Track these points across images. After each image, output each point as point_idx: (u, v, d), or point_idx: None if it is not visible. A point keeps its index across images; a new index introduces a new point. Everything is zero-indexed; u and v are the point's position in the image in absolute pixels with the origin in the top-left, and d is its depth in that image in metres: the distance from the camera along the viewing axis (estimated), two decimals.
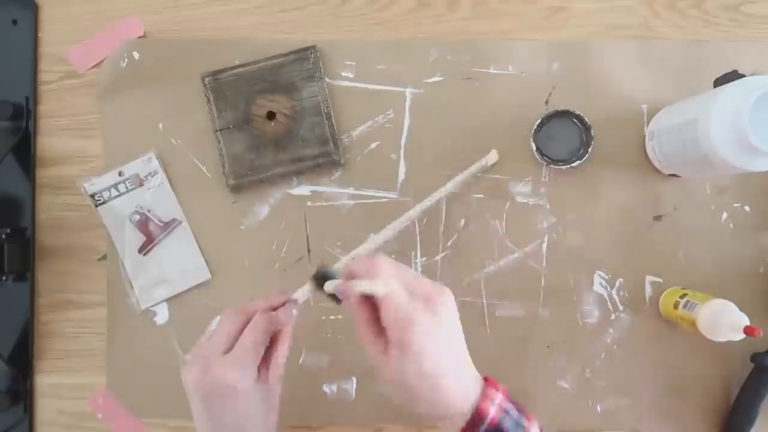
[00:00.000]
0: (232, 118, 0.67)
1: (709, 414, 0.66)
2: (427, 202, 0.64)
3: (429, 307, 0.44)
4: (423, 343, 0.43)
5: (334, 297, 0.49)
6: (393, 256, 0.67)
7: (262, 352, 0.49)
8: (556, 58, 0.67)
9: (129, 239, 0.68)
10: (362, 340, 0.47)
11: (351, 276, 0.47)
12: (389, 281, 0.45)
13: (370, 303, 0.46)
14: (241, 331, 0.49)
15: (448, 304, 0.45)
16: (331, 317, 0.67)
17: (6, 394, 0.69)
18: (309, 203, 0.68)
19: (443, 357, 0.44)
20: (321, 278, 0.51)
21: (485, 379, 0.46)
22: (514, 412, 0.44)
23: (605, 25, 0.68)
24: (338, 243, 0.68)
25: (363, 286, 0.45)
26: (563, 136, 0.66)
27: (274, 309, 0.52)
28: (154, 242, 0.68)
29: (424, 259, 0.67)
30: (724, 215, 0.66)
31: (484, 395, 0.44)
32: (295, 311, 0.53)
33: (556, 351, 0.66)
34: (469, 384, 0.45)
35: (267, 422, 0.49)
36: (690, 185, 0.66)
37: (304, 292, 0.54)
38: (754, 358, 0.63)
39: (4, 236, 0.67)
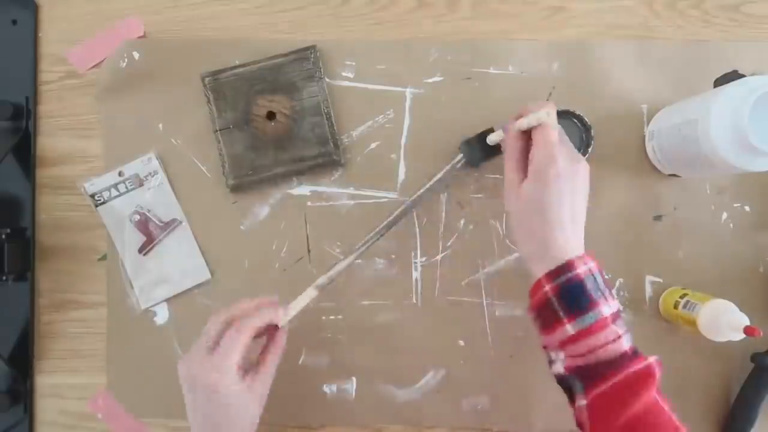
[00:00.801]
0: (232, 118, 0.67)
1: (709, 414, 0.66)
2: (395, 215, 0.64)
3: (572, 161, 0.50)
4: (555, 181, 0.49)
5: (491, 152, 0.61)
6: (393, 256, 0.67)
7: (243, 352, 0.51)
8: (556, 58, 0.67)
9: (129, 239, 0.68)
10: (507, 169, 0.53)
11: (517, 117, 0.54)
12: (551, 113, 0.51)
13: (523, 140, 0.53)
14: (222, 331, 0.52)
15: (585, 171, 0.51)
16: (331, 317, 0.67)
17: (6, 394, 0.69)
18: (309, 203, 0.68)
19: (565, 203, 0.49)
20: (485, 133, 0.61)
21: (589, 252, 0.50)
22: (600, 280, 0.48)
23: (605, 25, 0.68)
24: (338, 243, 0.68)
25: (530, 118, 0.52)
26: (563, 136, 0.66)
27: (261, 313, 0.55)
28: (154, 242, 0.68)
29: (424, 259, 0.67)
30: (724, 215, 0.66)
31: (579, 256, 0.49)
32: (289, 316, 0.57)
33: None
34: (573, 240, 0.49)
35: (246, 419, 0.52)
36: (690, 185, 0.66)
37: (297, 305, 0.58)
38: (754, 358, 0.63)
39: (4, 236, 0.67)
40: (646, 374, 0.46)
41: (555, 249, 0.49)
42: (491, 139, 0.61)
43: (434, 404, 0.67)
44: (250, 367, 0.54)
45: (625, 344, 0.48)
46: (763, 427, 0.64)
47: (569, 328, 0.47)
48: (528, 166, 0.51)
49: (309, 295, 0.59)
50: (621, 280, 0.66)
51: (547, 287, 0.48)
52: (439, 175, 0.64)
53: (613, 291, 0.49)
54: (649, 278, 0.66)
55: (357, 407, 0.67)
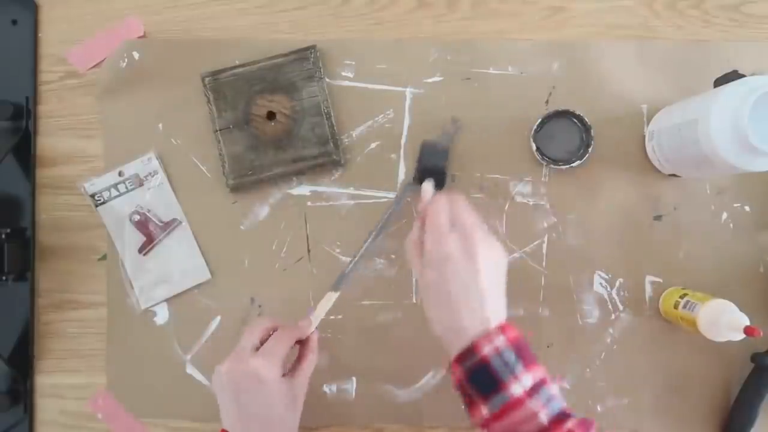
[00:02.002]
0: (232, 118, 0.67)
1: (709, 414, 0.66)
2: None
3: (464, 239, 0.49)
4: (446, 267, 0.48)
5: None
6: (393, 256, 0.67)
7: (287, 352, 0.55)
8: (556, 58, 0.67)
9: (129, 239, 0.68)
10: (408, 254, 0.53)
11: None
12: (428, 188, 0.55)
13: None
14: (267, 331, 0.56)
15: (481, 245, 0.50)
16: (331, 317, 0.67)
17: (6, 394, 0.69)
18: (309, 203, 0.68)
19: (462, 285, 0.48)
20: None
21: (502, 326, 0.48)
22: (509, 356, 0.46)
23: (605, 25, 0.68)
24: (338, 243, 0.68)
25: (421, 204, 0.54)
26: (563, 136, 0.66)
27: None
28: (154, 242, 0.68)
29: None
30: (724, 215, 0.66)
31: (486, 335, 0.47)
32: (314, 324, 0.60)
33: (556, 351, 0.66)
34: (477, 317, 0.48)
35: (289, 416, 0.54)
36: (690, 185, 0.66)
37: (321, 309, 0.62)
38: (754, 358, 0.63)
39: (4, 236, 0.67)
40: None
41: (460, 332, 0.48)
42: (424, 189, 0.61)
43: (434, 404, 0.67)
44: (287, 372, 0.56)
45: (544, 418, 0.45)
46: (763, 427, 0.64)
47: (484, 411, 0.47)
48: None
49: (330, 298, 0.62)
50: (621, 280, 0.66)
51: (458, 371, 0.48)
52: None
53: (533, 358, 0.48)
54: (649, 278, 0.66)
55: (357, 407, 0.67)
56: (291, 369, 0.57)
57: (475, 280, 0.48)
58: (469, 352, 0.47)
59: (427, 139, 0.65)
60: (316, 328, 0.61)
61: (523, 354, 0.47)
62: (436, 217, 0.51)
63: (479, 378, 0.47)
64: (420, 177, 0.63)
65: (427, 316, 0.51)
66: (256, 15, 0.70)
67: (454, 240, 0.49)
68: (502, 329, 0.48)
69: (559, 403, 0.47)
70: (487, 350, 0.46)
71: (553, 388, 0.47)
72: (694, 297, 0.61)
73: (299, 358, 0.58)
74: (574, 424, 0.45)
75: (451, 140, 0.66)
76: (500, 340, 0.47)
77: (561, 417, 0.46)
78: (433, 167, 0.63)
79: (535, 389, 0.46)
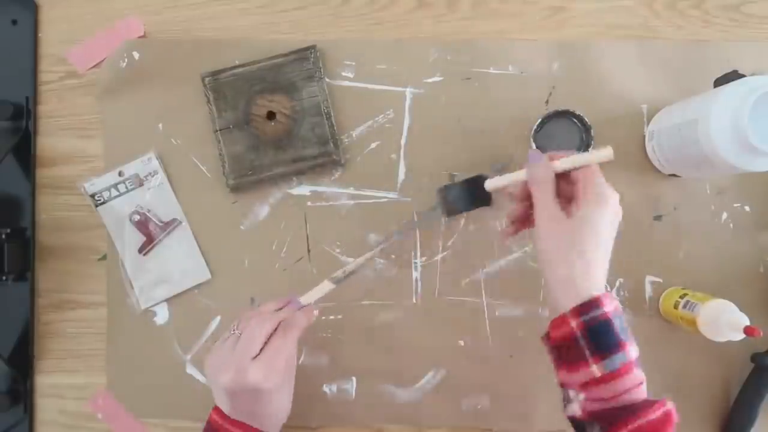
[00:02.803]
0: (232, 118, 0.67)
1: (709, 414, 0.66)
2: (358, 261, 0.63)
3: (617, 203, 0.50)
4: (610, 213, 0.48)
5: (474, 202, 0.58)
6: (393, 257, 0.67)
7: (286, 360, 0.54)
8: (556, 58, 0.67)
9: (129, 239, 0.68)
10: (545, 202, 0.50)
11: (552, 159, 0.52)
12: (606, 151, 0.51)
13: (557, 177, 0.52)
14: (267, 336, 0.53)
15: (620, 211, 0.50)
16: (331, 317, 0.67)
17: (6, 394, 0.69)
18: (309, 203, 0.68)
19: (607, 242, 0.48)
20: (475, 181, 0.57)
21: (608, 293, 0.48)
22: (624, 323, 0.47)
23: (605, 25, 0.68)
24: (338, 243, 0.68)
25: (576, 159, 0.51)
26: (563, 136, 0.66)
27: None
28: (154, 242, 0.68)
29: (423, 258, 0.67)
30: (724, 215, 0.66)
31: (606, 294, 0.47)
32: (316, 312, 0.58)
33: None
34: (603, 278, 0.48)
35: (284, 410, 0.56)
36: (690, 185, 0.66)
37: (314, 294, 0.59)
38: (754, 358, 0.63)
39: (4, 236, 0.67)
40: (665, 421, 0.44)
41: (587, 285, 0.47)
42: (496, 183, 0.56)
43: (434, 404, 0.67)
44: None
45: (645, 390, 0.46)
46: (763, 427, 0.64)
47: (595, 370, 0.45)
48: (574, 201, 0.50)
49: (323, 288, 0.60)
50: (621, 280, 0.66)
51: (574, 323, 0.46)
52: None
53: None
54: (649, 278, 0.66)
55: (357, 407, 0.67)
56: None
57: (611, 243, 0.49)
58: (592, 305, 0.46)
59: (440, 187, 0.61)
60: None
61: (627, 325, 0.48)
62: (601, 175, 0.50)
63: (600, 333, 0.45)
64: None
65: (552, 263, 0.49)
66: (257, 15, 0.70)
67: (615, 201, 0.49)
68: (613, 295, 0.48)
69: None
70: (610, 308, 0.46)
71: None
72: (694, 297, 0.61)
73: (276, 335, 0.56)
74: (670, 404, 0.45)
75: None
76: (617, 303, 0.47)
77: (650, 397, 0.46)
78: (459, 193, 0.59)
79: (638, 360, 0.47)
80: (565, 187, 0.52)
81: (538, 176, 0.52)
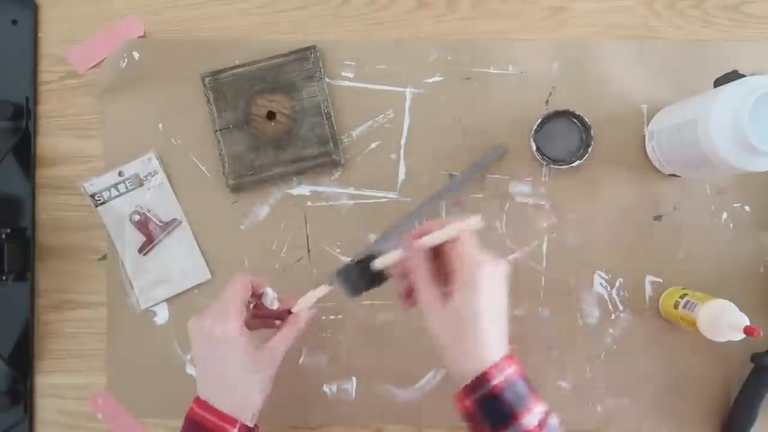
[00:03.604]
0: (232, 118, 0.67)
1: (709, 414, 0.66)
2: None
3: (495, 265, 0.49)
4: (486, 284, 0.48)
5: (373, 280, 0.54)
6: None
7: (242, 311, 0.54)
8: (556, 58, 0.67)
9: (129, 239, 0.68)
10: (422, 287, 0.51)
11: (420, 236, 0.52)
12: (470, 221, 0.50)
13: (431, 254, 0.52)
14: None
15: (504, 269, 0.50)
16: (331, 317, 0.67)
17: (6, 394, 0.69)
18: (309, 203, 0.68)
19: (494, 309, 0.48)
20: (366, 260, 0.54)
21: (509, 357, 0.49)
22: (521, 386, 0.47)
23: (605, 25, 0.68)
24: (338, 243, 0.68)
25: (440, 235, 0.50)
26: (563, 136, 0.66)
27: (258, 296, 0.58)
28: (154, 242, 0.68)
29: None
30: (724, 215, 0.66)
31: (496, 365, 0.47)
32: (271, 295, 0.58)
33: (556, 351, 0.66)
34: (496, 344, 0.48)
35: (249, 379, 0.53)
36: (690, 185, 0.66)
37: (309, 299, 0.58)
38: (754, 358, 0.63)
39: (4, 236, 0.67)
40: None
41: (478, 359, 0.47)
42: (383, 262, 0.53)
43: (434, 404, 0.67)
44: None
45: None
46: (763, 427, 0.64)
47: None
48: (450, 279, 0.50)
49: (322, 290, 0.58)
50: (621, 280, 0.66)
51: (467, 401, 0.48)
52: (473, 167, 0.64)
53: (537, 391, 0.48)
54: (649, 278, 0.66)
55: (357, 407, 0.67)
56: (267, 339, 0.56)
57: (504, 305, 0.49)
58: (481, 381, 0.46)
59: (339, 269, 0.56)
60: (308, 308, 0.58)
61: (530, 386, 0.48)
62: (471, 245, 0.50)
63: (492, 409, 0.46)
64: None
65: (443, 344, 0.50)
66: (257, 15, 0.70)
67: (491, 265, 0.49)
68: (510, 358, 0.48)
69: None
70: (498, 380, 0.46)
71: (554, 420, 0.47)
72: (694, 297, 0.61)
73: (276, 333, 0.57)
74: None
75: (488, 164, 0.66)
76: (511, 370, 0.47)
77: None
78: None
79: (543, 423, 0.46)
80: (445, 261, 0.51)
81: (410, 264, 0.52)
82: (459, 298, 0.48)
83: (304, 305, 0.58)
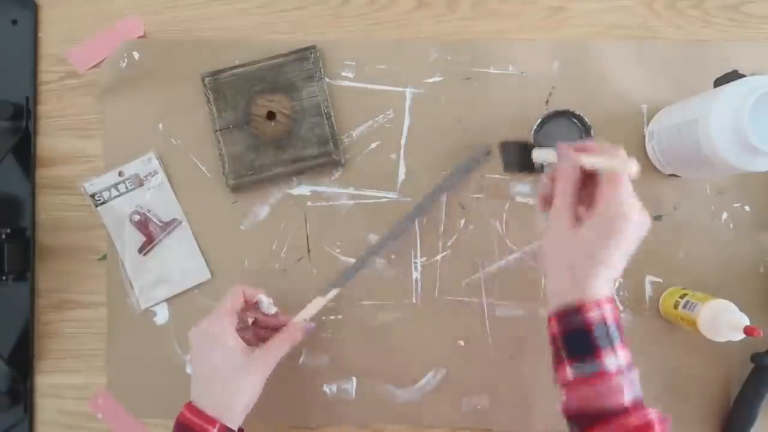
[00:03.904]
0: (232, 118, 0.67)
1: (709, 414, 0.66)
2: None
3: (640, 215, 0.48)
4: (627, 231, 0.47)
5: (525, 164, 0.57)
6: (393, 257, 0.67)
7: (235, 316, 0.56)
8: (556, 58, 0.67)
9: (129, 239, 0.68)
10: (557, 199, 0.50)
11: (579, 150, 0.51)
12: (633, 166, 0.49)
13: (582, 174, 0.51)
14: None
15: (646, 224, 0.48)
16: (331, 317, 0.67)
17: (6, 394, 0.69)
18: (309, 203, 0.68)
19: (619, 254, 0.47)
20: (529, 147, 0.56)
21: (610, 298, 0.48)
22: (612, 329, 0.46)
23: (604, 25, 0.68)
24: (338, 243, 0.68)
25: (612, 163, 0.49)
26: (563, 136, 0.66)
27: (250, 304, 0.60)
28: (154, 242, 0.68)
29: (424, 259, 0.67)
30: (724, 215, 0.66)
31: (596, 302, 0.46)
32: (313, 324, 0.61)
33: None
34: (605, 284, 0.47)
35: (238, 382, 0.53)
36: (690, 185, 0.66)
37: (309, 310, 0.61)
38: (754, 358, 0.63)
39: (4, 236, 0.67)
40: (644, 428, 0.44)
41: (582, 290, 0.47)
42: (540, 156, 0.55)
43: (434, 404, 0.67)
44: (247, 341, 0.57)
45: (627, 398, 0.45)
46: (763, 427, 0.64)
47: (569, 373, 0.47)
48: (590, 207, 0.49)
49: (317, 304, 0.61)
50: (621, 280, 0.66)
51: (555, 327, 0.48)
52: (460, 165, 0.64)
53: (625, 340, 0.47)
54: (649, 278, 0.66)
55: (357, 407, 0.67)
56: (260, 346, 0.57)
57: (625, 257, 0.48)
58: (574, 311, 0.46)
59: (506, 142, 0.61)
60: (304, 320, 0.61)
61: (621, 332, 0.47)
62: (628, 187, 0.49)
63: (576, 339, 0.46)
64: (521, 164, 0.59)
65: (553, 268, 0.50)
66: (256, 15, 0.70)
67: (638, 214, 0.48)
68: (609, 300, 0.47)
69: (640, 391, 0.47)
70: (592, 314, 0.46)
71: (636, 374, 0.47)
72: (694, 297, 0.61)
73: (270, 339, 0.57)
74: (654, 414, 0.45)
75: (477, 164, 0.66)
76: (607, 309, 0.47)
77: (640, 404, 0.46)
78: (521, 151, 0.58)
79: (628, 368, 0.46)
80: (594, 188, 0.50)
81: (561, 173, 0.51)
82: (595, 231, 0.47)
83: (302, 317, 0.60)
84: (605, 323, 0.46)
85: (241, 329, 0.59)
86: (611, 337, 0.46)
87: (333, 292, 0.62)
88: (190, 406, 0.54)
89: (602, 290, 0.47)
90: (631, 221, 0.47)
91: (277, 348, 0.56)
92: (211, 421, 0.52)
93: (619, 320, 0.48)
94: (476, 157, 0.66)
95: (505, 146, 0.60)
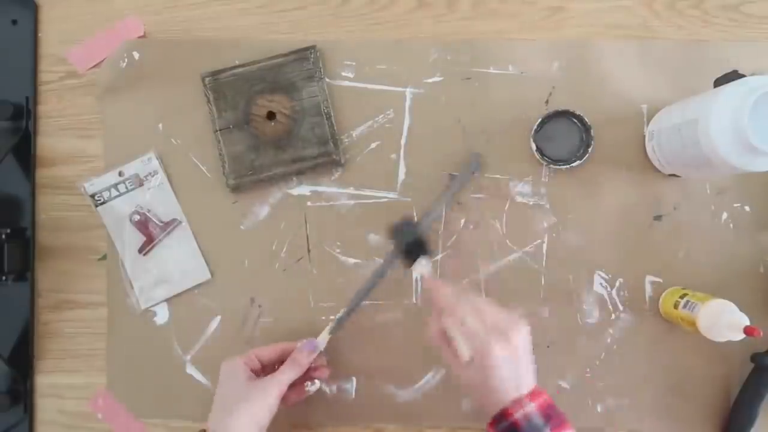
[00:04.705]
0: (232, 118, 0.67)
1: (709, 414, 0.66)
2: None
3: (503, 336, 0.51)
4: (495, 365, 0.50)
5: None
6: None
7: (253, 358, 0.61)
8: (556, 58, 0.67)
9: (129, 239, 0.68)
10: (444, 356, 0.55)
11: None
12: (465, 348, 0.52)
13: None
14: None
15: (522, 333, 0.52)
16: (331, 317, 0.67)
17: (6, 394, 0.69)
18: (309, 203, 0.68)
19: (510, 371, 0.51)
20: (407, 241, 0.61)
21: (532, 393, 0.51)
22: (538, 422, 0.49)
23: (604, 25, 0.68)
24: (338, 243, 0.68)
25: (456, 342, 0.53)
26: (563, 136, 0.66)
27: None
28: (154, 242, 0.68)
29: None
30: (724, 215, 0.66)
31: (517, 400, 0.50)
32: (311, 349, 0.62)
33: (556, 351, 0.66)
34: (518, 387, 0.51)
35: (241, 404, 0.56)
36: (690, 185, 0.66)
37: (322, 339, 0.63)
38: (754, 358, 0.63)
39: (4, 236, 0.67)
40: None
41: (498, 401, 0.51)
42: (417, 270, 0.61)
43: (434, 404, 0.67)
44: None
45: None
46: (763, 427, 0.64)
47: None
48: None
49: (324, 338, 0.63)
50: (621, 280, 0.66)
51: None
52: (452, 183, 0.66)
53: (562, 419, 0.50)
54: (649, 278, 0.66)
55: (357, 407, 0.67)
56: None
57: (514, 361, 0.51)
58: (502, 417, 0.50)
59: (398, 221, 0.62)
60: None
61: (552, 418, 0.50)
62: (457, 315, 0.53)
63: None
64: (406, 255, 0.61)
65: (468, 393, 0.61)
66: (256, 15, 0.70)
67: (492, 339, 0.51)
68: (531, 396, 0.51)
69: None
70: (518, 415, 0.49)
71: None
72: (694, 297, 0.61)
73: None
74: None
75: (470, 174, 0.66)
76: (530, 407, 0.50)
77: None
78: (414, 241, 0.60)
79: None
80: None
81: (431, 328, 0.56)
82: (474, 372, 0.52)
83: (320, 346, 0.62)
84: (529, 420, 0.49)
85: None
86: (542, 425, 0.49)
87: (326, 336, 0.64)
88: None
89: (519, 391, 0.51)
90: (494, 356, 0.50)
91: (279, 379, 0.58)
92: None
93: (547, 405, 0.51)
94: (464, 177, 0.66)
95: (396, 230, 0.61)
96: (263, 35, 0.70)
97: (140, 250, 0.68)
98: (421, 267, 0.60)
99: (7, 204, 0.70)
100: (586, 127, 0.65)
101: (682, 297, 0.62)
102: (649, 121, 0.66)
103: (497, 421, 0.50)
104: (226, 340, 0.68)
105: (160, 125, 0.69)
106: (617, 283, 0.66)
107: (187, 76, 0.68)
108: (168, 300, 0.69)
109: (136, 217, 0.68)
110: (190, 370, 0.68)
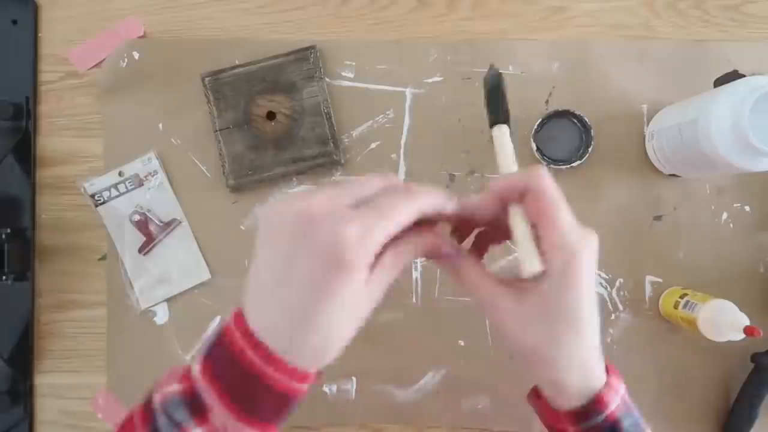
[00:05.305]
0: (232, 118, 0.67)
1: (709, 414, 0.66)
2: None
3: (585, 241, 0.37)
4: (583, 276, 0.36)
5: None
6: None
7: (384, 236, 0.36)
8: (556, 58, 0.67)
9: (129, 239, 0.68)
10: (485, 298, 0.40)
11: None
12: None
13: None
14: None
15: (593, 247, 0.38)
16: None
17: (6, 394, 0.69)
18: None
19: (592, 302, 0.36)
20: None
21: (607, 367, 0.38)
22: (636, 413, 0.38)
23: (605, 25, 0.68)
24: None
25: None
26: (563, 136, 0.66)
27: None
28: (154, 242, 0.68)
29: (423, 259, 0.67)
30: (724, 215, 0.66)
31: (608, 384, 0.37)
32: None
33: None
34: (597, 360, 0.37)
35: (334, 338, 0.38)
36: (690, 185, 0.66)
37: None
38: (754, 358, 0.63)
39: (4, 236, 0.67)
40: None
41: (586, 372, 0.36)
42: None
43: (434, 404, 0.67)
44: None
45: None
46: (763, 427, 0.64)
47: None
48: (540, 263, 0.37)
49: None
50: (621, 280, 0.66)
51: (571, 429, 0.37)
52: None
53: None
54: (649, 278, 0.66)
55: (357, 407, 0.67)
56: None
57: (593, 292, 0.36)
58: (594, 409, 0.36)
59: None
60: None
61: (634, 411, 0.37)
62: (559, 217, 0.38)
63: None
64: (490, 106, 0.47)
65: (535, 341, 0.37)
66: (256, 15, 0.70)
67: (588, 251, 0.37)
68: (613, 371, 0.38)
69: None
70: (614, 405, 0.36)
71: None
72: (694, 297, 0.61)
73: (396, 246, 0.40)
74: None
75: (498, 83, 0.50)
76: (623, 389, 0.37)
77: None
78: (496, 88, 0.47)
79: None
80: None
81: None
82: (549, 293, 0.36)
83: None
84: (630, 411, 0.37)
85: None
86: (637, 425, 0.37)
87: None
88: (241, 320, 0.37)
89: (601, 363, 0.37)
90: (584, 258, 0.36)
91: (400, 259, 0.39)
92: (302, 375, 0.36)
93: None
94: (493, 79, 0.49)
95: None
96: (263, 35, 0.70)
97: (140, 250, 0.68)
98: (500, 132, 0.45)
99: (7, 204, 0.70)
100: (586, 127, 0.65)
101: (682, 297, 0.62)
102: (649, 121, 0.66)
103: (588, 413, 0.35)
104: None
105: (160, 125, 0.69)
106: (617, 283, 0.66)
107: (187, 76, 0.68)
108: (168, 300, 0.69)
109: (136, 217, 0.68)
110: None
